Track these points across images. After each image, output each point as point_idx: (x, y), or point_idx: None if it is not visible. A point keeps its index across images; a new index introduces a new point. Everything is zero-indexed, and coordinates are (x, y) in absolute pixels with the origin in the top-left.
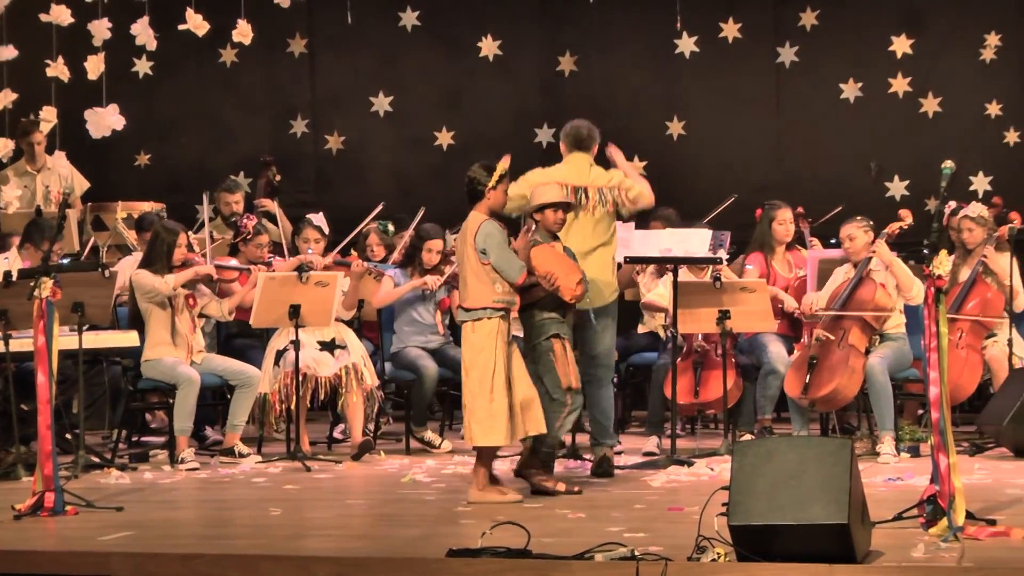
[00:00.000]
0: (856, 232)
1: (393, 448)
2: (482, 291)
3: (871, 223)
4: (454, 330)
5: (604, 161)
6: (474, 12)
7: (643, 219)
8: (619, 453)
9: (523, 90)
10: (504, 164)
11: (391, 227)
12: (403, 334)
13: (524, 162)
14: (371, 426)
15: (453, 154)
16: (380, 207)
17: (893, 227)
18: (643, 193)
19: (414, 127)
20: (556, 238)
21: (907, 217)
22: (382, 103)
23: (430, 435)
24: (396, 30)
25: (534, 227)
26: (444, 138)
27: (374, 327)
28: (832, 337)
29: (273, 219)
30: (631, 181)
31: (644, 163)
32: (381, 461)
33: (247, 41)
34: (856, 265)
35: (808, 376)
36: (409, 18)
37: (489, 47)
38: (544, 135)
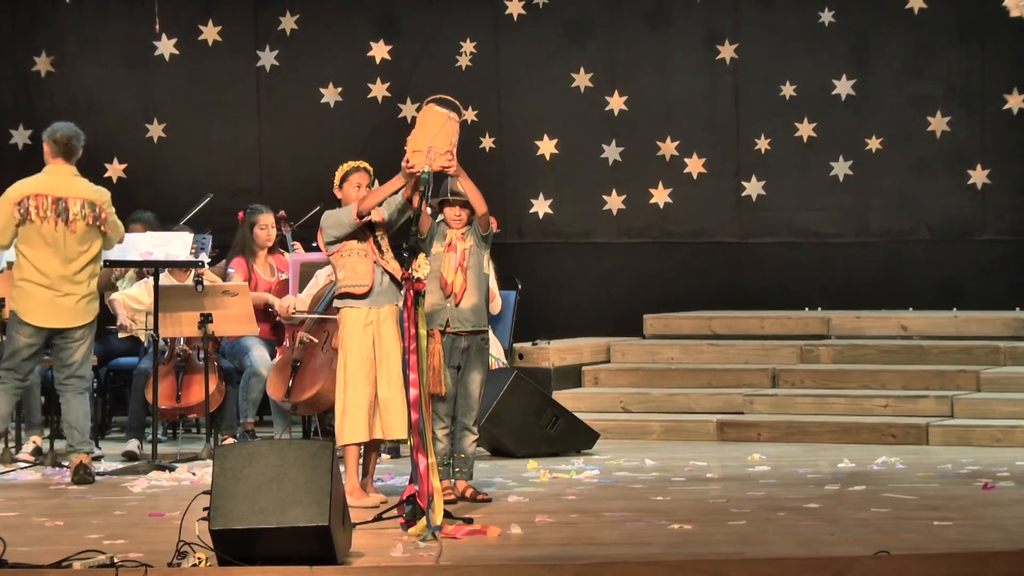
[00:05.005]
0: None
1: None
2: (338, 283)
3: None
4: None
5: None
6: None
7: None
8: (99, 459)
9: None
10: (348, 163)
11: None
12: None
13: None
14: None
15: None
16: None
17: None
18: (121, 228)
19: None
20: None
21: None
22: None
23: None
24: None
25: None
26: None
27: None
28: (316, 340)
29: None
30: (114, 215)
31: (124, 165)
32: None
33: None
34: None
35: (291, 379)
36: None
37: None
38: (20, 136)
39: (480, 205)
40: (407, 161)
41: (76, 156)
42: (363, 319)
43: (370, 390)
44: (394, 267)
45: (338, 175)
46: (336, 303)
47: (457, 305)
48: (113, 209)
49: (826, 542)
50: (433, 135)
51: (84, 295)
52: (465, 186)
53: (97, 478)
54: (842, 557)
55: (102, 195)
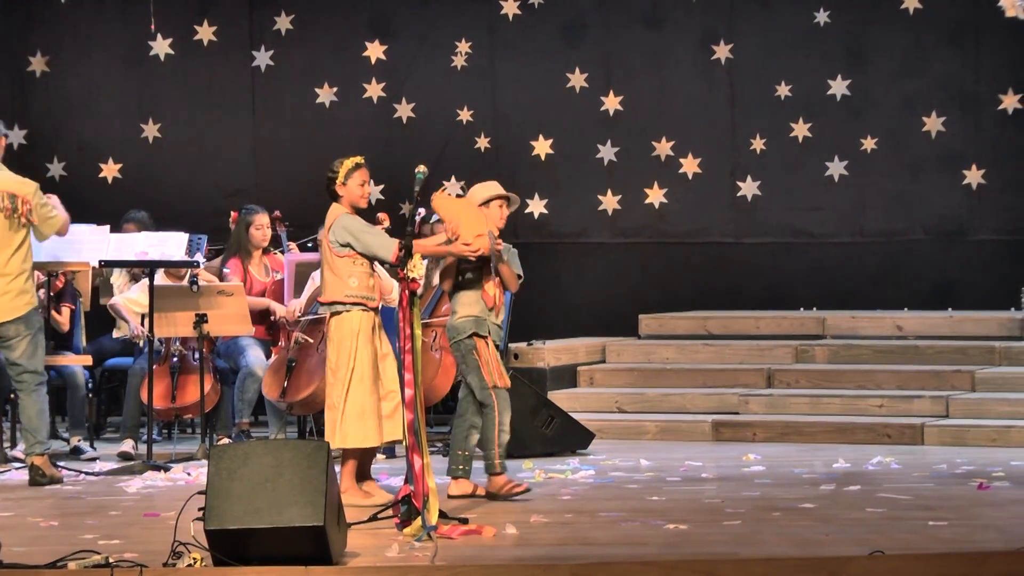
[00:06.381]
0: None
1: None
2: (336, 285)
3: None
4: None
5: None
6: None
7: (116, 222)
8: (95, 459)
9: None
10: (354, 159)
11: None
12: None
13: None
14: None
15: None
16: None
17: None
18: (59, 221)
19: None
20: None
21: (385, 220)
22: None
23: None
24: None
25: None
26: None
27: None
28: (311, 340)
29: None
30: (49, 207)
31: (119, 165)
32: None
33: None
34: None
35: (287, 379)
36: None
37: None
38: (15, 136)
39: (514, 286)
40: (468, 244)
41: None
42: (371, 322)
43: (377, 393)
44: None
45: (342, 171)
46: (341, 307)
47: (497, 318)
48: (43, 200)
49: (821, 542)
50: (484, 221)
51: (11, 290)
52: (502, 268)
53: (92, 477)
54: (837, 557)
55: (26, 187)
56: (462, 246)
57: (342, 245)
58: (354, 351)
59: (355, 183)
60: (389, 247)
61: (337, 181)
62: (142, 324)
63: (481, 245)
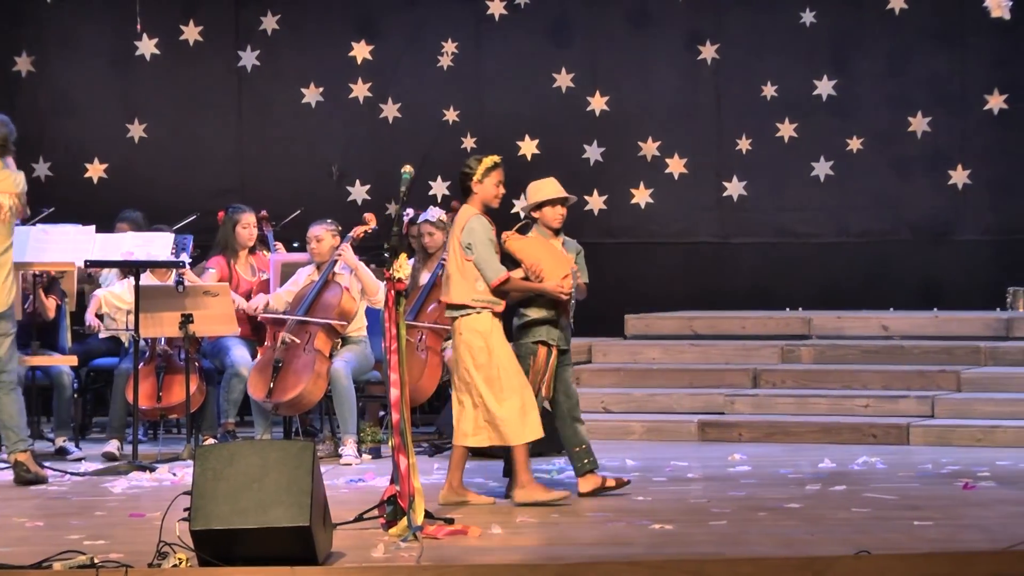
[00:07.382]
0: (324, 234)
1: None
2: (463, 287)
3: (339, 227)
4: None
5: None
6: None
7: (108, 221)
8: (81, 460)
9: None
10: (492, 157)
11: None
12: None
13: None
14: None
15: None
16: None
17: (358, 231)
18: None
19: None
20: (557, 234)
21: (371, 221)
22: None
23: None
24: None
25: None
26: None
27: None
28: (298, 341)
29: None
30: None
31: (105, 165)
32: None
33: None
34: (320, 267)
35: (273, 380)
36: None
37: None
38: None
39: (584, 295)
40: (561, 286)
41: (10, 153)
42: (498, 325)
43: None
44: None
45: (480, 168)
46: (470, 310)
47: (570, 323)
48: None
49: (807, 542)
50: (564, 260)
51: (4, 285)
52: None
53: (77, 478)
54: (823, 557)
55: (21, 182)
56: (559, 290)
57: (465, 247)
58: (491, 350)
59: (491, 182)
60: (496, 272)
61: (474, 178)
62: (114, 319)
63: (568, 285)
